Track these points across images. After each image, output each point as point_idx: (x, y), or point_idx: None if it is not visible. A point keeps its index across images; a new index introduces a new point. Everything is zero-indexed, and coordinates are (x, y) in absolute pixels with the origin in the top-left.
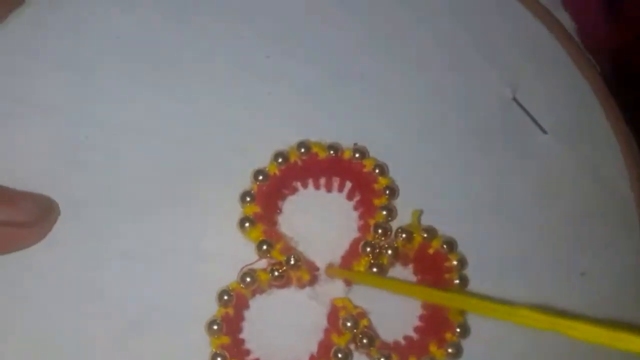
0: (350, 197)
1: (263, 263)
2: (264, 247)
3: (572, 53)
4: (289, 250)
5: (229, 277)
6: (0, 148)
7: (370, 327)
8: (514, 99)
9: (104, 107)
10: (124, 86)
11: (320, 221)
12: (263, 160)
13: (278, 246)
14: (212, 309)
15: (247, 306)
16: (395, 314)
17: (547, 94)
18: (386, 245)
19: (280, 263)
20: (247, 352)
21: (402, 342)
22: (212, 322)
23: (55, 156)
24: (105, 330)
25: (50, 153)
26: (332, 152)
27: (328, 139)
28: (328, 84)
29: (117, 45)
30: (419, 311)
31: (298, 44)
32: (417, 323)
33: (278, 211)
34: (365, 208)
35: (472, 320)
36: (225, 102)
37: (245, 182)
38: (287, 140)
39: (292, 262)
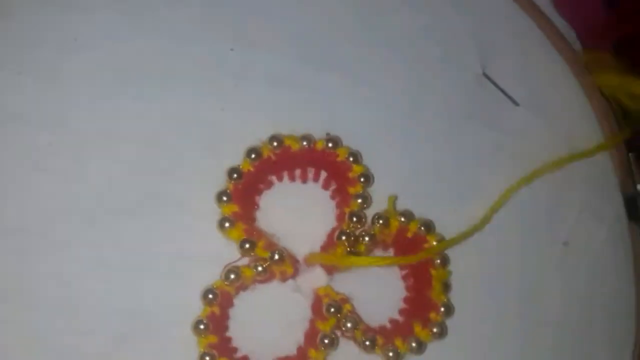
0: (326, 186)
1: (244, 260)
2: (247, 245)
3: (543, 26)
4: (272, 246)
5: (210, 277)
6: None
7: (353, 311)
8: (484, 74)
9: (68, 112)
10: (88, 89)
11: (298, 213)
12: (235, 156)
13: (260, 243)
14: (196, 309)
15: (231, 304)
16: (378, 299)
17: (519, 67)
18: (363, 233)
19: (263, 259)
20: (235, 350)
21: (388, 325)
22: (198, 322)
23: (19, 164)
24: (90, 346)
25: (14, 160)
26: (305, 143)
27: (299, 130)
28: (297, 72)
29: (78, 49)
30: (402, 294)
31: (263, 33)
32: (402, 306)
33: (256, 207)
34: (341, 197)
35: (456, 300)
36: (192, 99)
37: (220, 181)
38: (258, 133)
39: (276, 258)
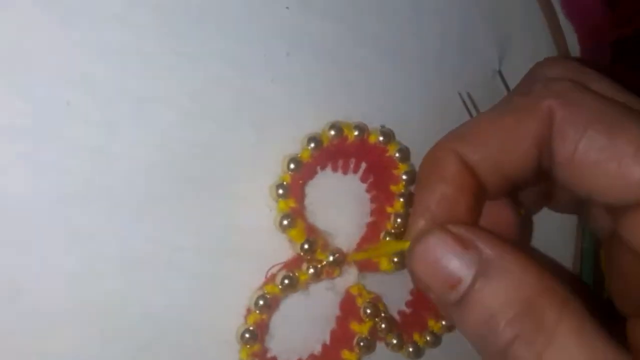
0: (364, 179)
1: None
2: (306, 246)
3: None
4: (327, 246)
5: (251, 277)
6: None
7: (387, 312)
8: (499, 72)
9: (92, 66)
10: (117, 40)
11: (333, 206)
12: (284, 138)
13: (320, 243)
14: (236, 315)
15: (277, 309)
16: (387, 291)
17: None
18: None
19: (319, 260)
20: (265, 351)
21: (397, 317)
22: (245, 331)
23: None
24: (117, 353)
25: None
26: (357, 132)
27: (350, 114)
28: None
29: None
30: (408, 286)
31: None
32: (408, 297)
33: (304, 199)
34: (380, 192)
35: None
36: (239, 64)
37: (270, 166)
38: (307, 113)
39: (331, 259)
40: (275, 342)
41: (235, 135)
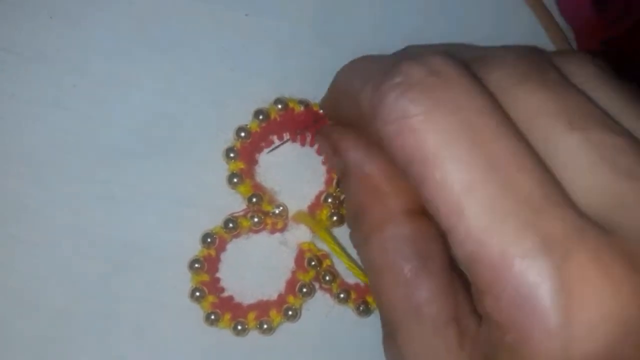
0: (319, 151)
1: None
2: (254, 199)
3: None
4: (274, 201)
5: (207, 223)
6: None
7: (332, 266)
8: None
9: (91, 58)
10: (110, 38)
11: (292, 173)
12: (240, 114)
13: (266, 198)
14: (191, 250)
15: (224, 249)
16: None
17: None
18: None
19: (262, 211)
20: (222, 290)
21: (362, 284)
22: (194, 261)
23: (42, 102)
24: (92, 269)
25: (37, 99)
26: (302, 107)
27: (298, 95)
28: (303, 41)
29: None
30: None
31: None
32: None
33: (256, 164)
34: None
35: None
36: (205, 57)
37: (226, 136)
38: (262, 95)
39: (277, 212)
40: (233, 284)
41: (199, 110)
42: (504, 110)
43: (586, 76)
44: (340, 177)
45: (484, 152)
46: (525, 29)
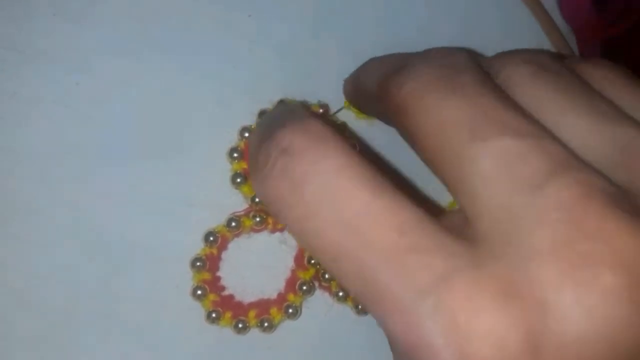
0: None
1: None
2: (257, 199)
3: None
4: None
5: (209, 222)
6: None
7: None
8: None
9: (94, 57)
10: (113, 37)
11: None
12: (245, 115)
13: None
14: (193, 248)
15: (226, 247)
16: None
17: None
18: None
19: (264, 211)
20: (223, 288)
21: None
22: (196, 259)
23: (43, 100)
24: (92, 268)
25: (41, 97)
26: None
27: (300, 96)
28: (306, 43)
29: None
30: None
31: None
32: None
33: None
34: None
35: None
36: (208, 57)
37: (230, 136)
38: (266, 96)
39: None
40: (234, 283)
41: (202, 110)
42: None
43: (607, 78)
44: None
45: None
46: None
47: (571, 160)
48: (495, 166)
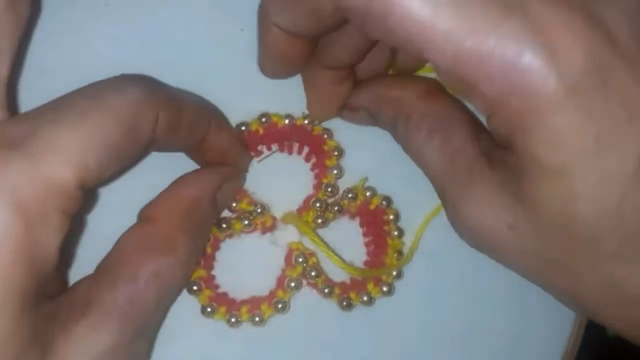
0: (307, 159)
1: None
2: (234, 204)
3: None
4: (254, 202)
5: None
6: None
7: (317, 263)
8: None
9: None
10: (114, 50)
11: (282, 180)
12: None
13: (245, 200)
14: None
15: (219, 247)
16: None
17: None
18: (334, 202)
19: (249, 212)
20: (217, 286)
21: (347, 282)
22: None
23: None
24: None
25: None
26: (287, 121)
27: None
28: None
29: None
30: (364, 258)
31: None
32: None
33: None
34: (319, 169)
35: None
36: (201, 71)
37: None
38: (253, 108)
39: (259, 210)
40: (227, 281)
41: None
42: None
43: None
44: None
45: None
46: None
47: None
48: None
